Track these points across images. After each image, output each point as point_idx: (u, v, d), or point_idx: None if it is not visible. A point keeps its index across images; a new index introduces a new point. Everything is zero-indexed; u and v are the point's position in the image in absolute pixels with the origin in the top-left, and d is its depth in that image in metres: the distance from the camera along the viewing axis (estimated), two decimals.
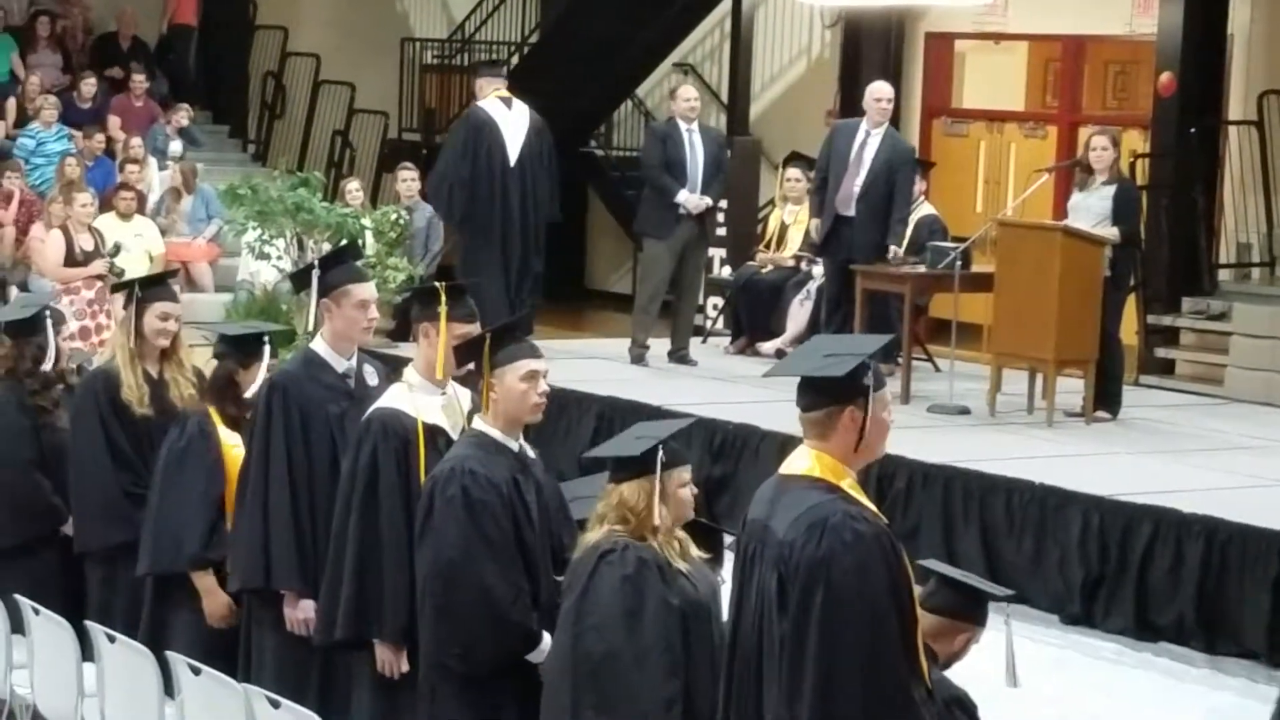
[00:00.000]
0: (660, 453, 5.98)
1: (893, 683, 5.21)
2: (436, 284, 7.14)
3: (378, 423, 6.93)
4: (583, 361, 14.57)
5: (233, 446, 7.66)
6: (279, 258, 15.21)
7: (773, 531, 5.36)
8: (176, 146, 20.07)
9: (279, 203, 15.00)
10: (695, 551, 6.04)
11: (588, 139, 22.64)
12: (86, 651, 7.33)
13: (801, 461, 5.44)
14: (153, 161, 19.69)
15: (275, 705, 6.57)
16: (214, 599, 7.62)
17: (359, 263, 7.74)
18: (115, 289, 8.24)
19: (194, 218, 19.00)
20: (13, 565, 8.28)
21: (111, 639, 7.27)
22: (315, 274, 7.40)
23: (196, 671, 6.88)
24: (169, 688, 7.00)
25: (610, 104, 22.27)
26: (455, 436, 6.91)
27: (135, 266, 18.06)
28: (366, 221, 15.37)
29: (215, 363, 7.90)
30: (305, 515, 7.25)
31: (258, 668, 7.36)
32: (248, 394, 7.66)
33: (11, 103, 20.07)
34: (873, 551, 5.27)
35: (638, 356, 14.61)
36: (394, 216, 15.66)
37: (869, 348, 5.48)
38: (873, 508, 5.37)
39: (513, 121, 14.62)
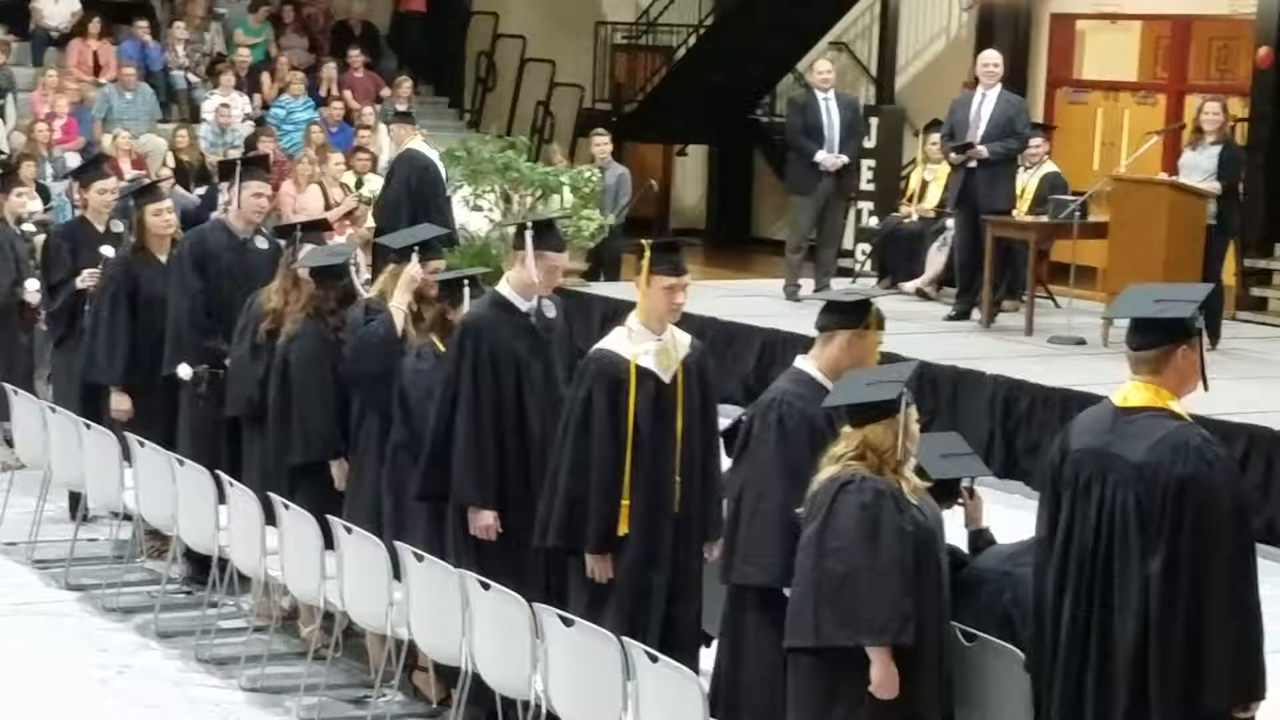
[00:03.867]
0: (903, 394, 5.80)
1: (1251, 583, 5.43)
2: (644, 241, 7.00)
3: (594, 362, 6.88)
4: (748, 299, 14.64)
5: None
6: (489, 210, 15.33)
7: (1120, 457, 5.44)
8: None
9: (490, 163, 15.10)
10: (920, 484, 5.83)
11: (755, 108, 22.59)
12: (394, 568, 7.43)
13: (1140, 394, 5.51)
14: (383, 128, 19.90)
15: (485, 587, 6.68)
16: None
17: (558, 232, 7.57)
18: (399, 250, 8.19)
19: None
20: (309, 481, 8.27)
21: (349, 530, 7.41)
22: (529, 233, 7.34)
23: (420, 558, 7.00)
24: (398, 573, 7.13)
25: (775, 77, 22.18)
26: (667, 380, 6.87)
27: (365, 222, 18.34)
28: (564, 179, 15.43)
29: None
30: (488, 437, 7.23)
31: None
32: None
33: (266, 78, 20.35)
34: (1232, 471, 5.52)
35: (791, 294, 14.68)
36: (588, 174, 15.72)
37: (1198, 295, 5.55)
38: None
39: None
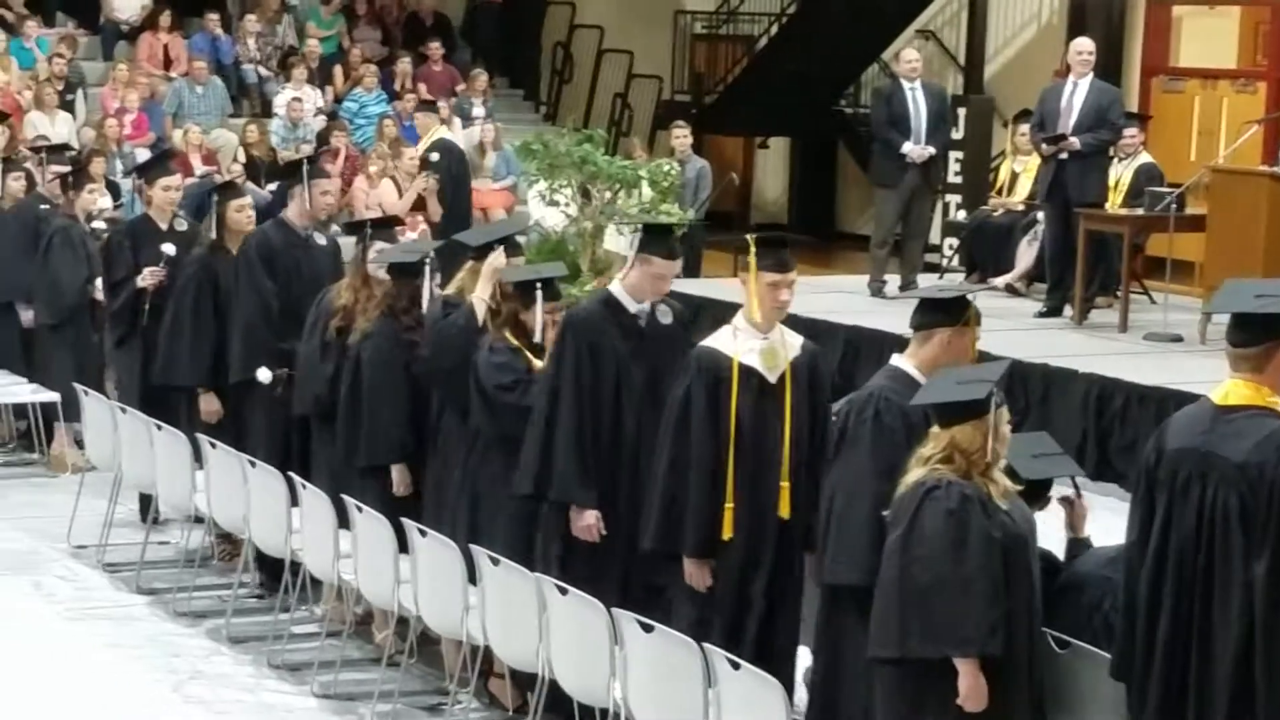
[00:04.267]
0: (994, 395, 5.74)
1: None
2: (749, 236, 6.95)
3: (696, 360, 6.85)
4: (830, 295, 14.58)
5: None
6: (565, 205, 15.34)
7: (1221, 457, 5.40)
8: (479, 109, 20.32)
9: (566, 156, 15.11)
10: (1011, 487, 5.78)
11: (838, 98, 22.51)
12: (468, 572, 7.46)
13: (1240, 392, 5.47)
14: (457, 121, 19.96)
15: (563, 592, 6.68)
16: None
17: (673, 238, 7.51)
18: (478, 250, 8.21)
19: (497, 174, 19.26)
20: (378, 483, 8.30)
21: (423, 533, 7.42)
22: (638, 237, 7.36)
23: (496, 562, 7.01)
24: (473, 577, 7.14)
25: (859, 67, 22.09)
26: (773, 380, 6.82)
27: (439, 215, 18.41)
28: (643, 173, 15.42)
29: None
30: (588, 436, 7.21)
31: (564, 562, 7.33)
32: (535, 333, 7.62)
33: (339, 70, 20.45)
34: None
35: (875, 290, 14.63)
36: (666, 168, 15.71)
37: None
38: None
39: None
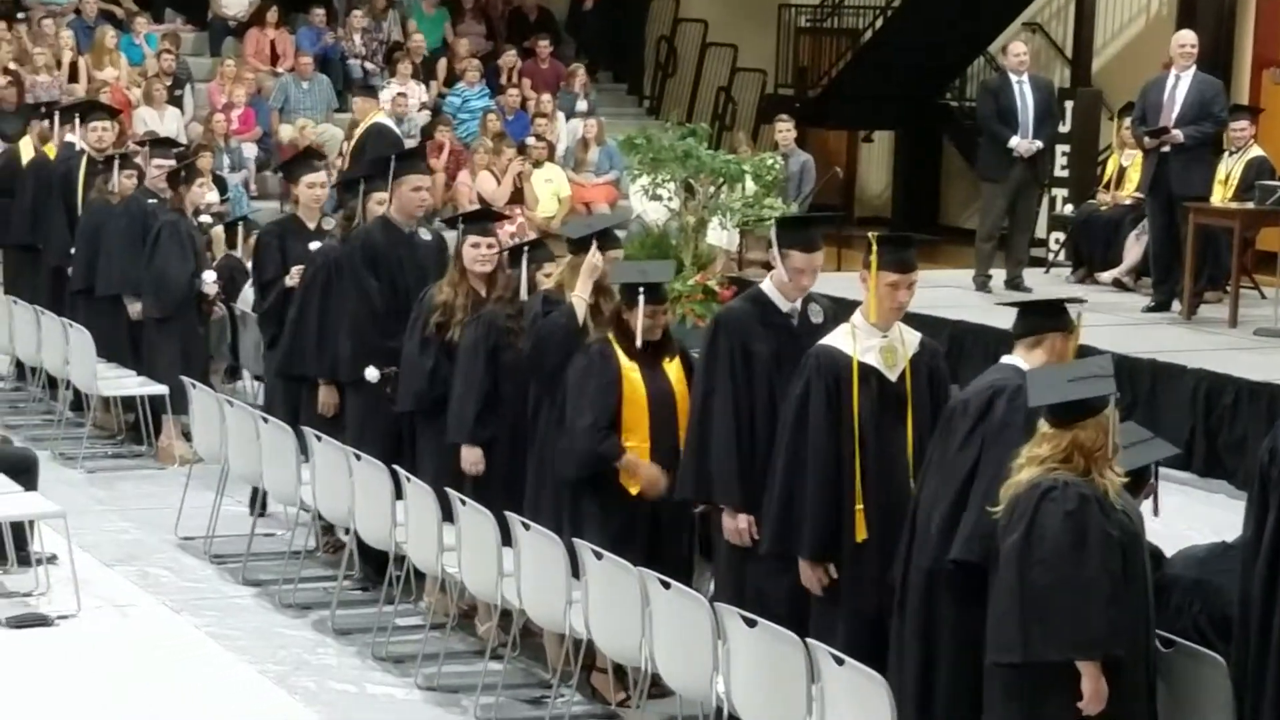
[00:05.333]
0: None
1: None
2: (870, 235, 6.90)
3: (814, 359, 6.79)
4: (935, 290, 14.48)
5: (630, 370, 7.59)
6: (669, 199, 15.36)
7: None
8: (582, 104, 20.40)
9: (670, 151, 15.12)
10: (1121, 481, 5.70)
11: (944, 92, 22.41)
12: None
13: None
14: (560, 115, 20.03)
15: (666, 586, 6.70)
16: (647, 469, 7.56)
17: (811, 230, 7.37)
18: (577, 241, 8.18)
19: (599, 168, 19.33)
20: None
21: (527, 527, 7.47)
22: (773, 231, 7.29)
23: (599, 556, 7.04)
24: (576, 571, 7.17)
25: (965, 60, 21.98)
26: (893, 378, 6.78)
27: (546, 208, 18.50)
28: (746, 167, 15.42)
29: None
30: (745, 438, 7.11)
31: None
32: (636, 337, 7.58)
33: (442, 64, 20.55)
34: None
35: (980, 285, 14.56)
36: (770, 162, 15.70)
37: None
38: None
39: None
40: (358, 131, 15.32)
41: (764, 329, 7.21)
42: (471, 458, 8.31)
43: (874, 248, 6.76)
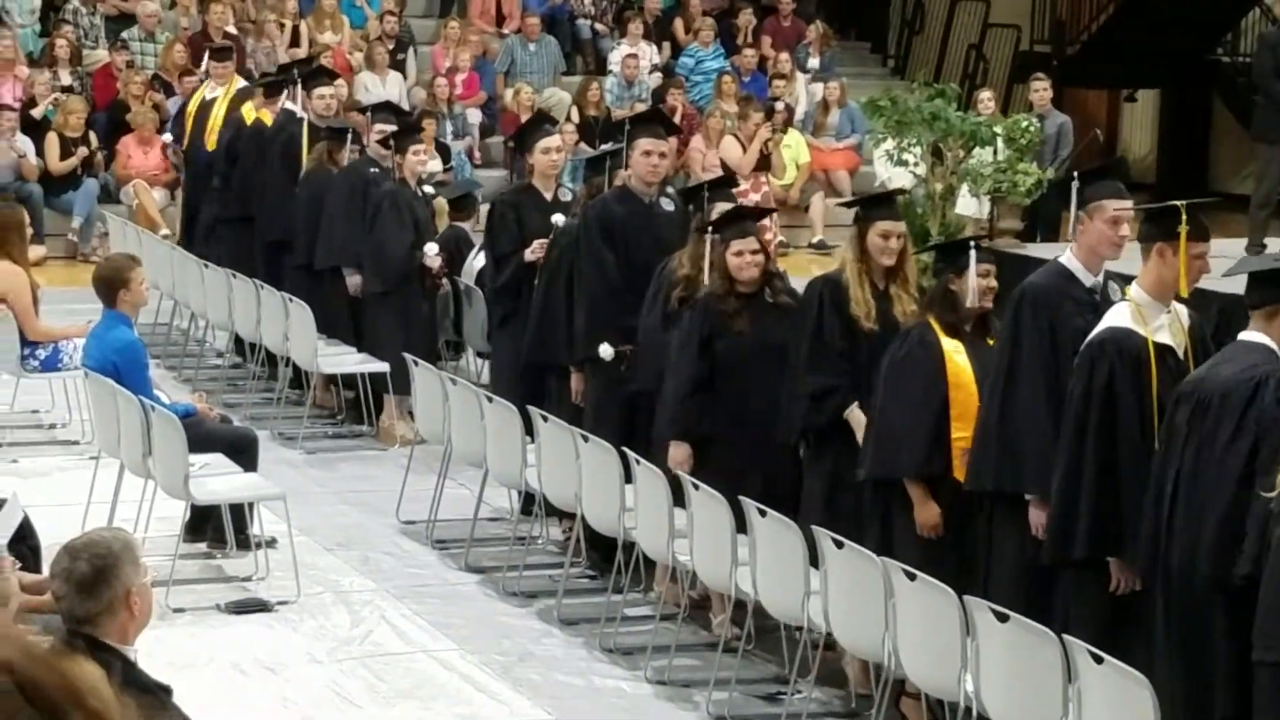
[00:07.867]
0: None
1: None
2: (1177, 203, 6.72)
3: (1111, 344, 6.60)
4: None
5: (954, 353, 7.37)
6: (915, 164, 15.21)
7: None
8: (814, 62, 20.27)
9: (916, 113, 14.97)
10: None
11: (1215, 47, 21.93)
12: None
13: None
14: (800, 77, 19.92)
15: (911, 578, 6.62)
16: (926, 509, 7.31)
17: (1108, 180, 7.27)
18: (844, 204, 8.06)
19: (840, 132, 19.20)
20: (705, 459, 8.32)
21: (763, 513, 7.41)
22: (1074, 185, 7.13)
23: (840, 545, 6.97)
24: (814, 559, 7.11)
25: (1238, 12, 21.50)
26: (1181, 355, 6.63)
27: (785, 175, 18.44)
28: (998, 129, 15.22)
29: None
30: (1053, 422, 6.87)
31: (996, 573, 7.10)
32: (968, 301, 7.37)
33: (678, 25, 20.54)
34: None
35: (1255, 253, 14.17)
36: (1025, 124, 15.47)
37: None
38: None
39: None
40: (220, 105, 14.51)
41: (1069, 304, 7.03)
42: (679, 455, 8.22)
43: (1183, 217, 6.59)
